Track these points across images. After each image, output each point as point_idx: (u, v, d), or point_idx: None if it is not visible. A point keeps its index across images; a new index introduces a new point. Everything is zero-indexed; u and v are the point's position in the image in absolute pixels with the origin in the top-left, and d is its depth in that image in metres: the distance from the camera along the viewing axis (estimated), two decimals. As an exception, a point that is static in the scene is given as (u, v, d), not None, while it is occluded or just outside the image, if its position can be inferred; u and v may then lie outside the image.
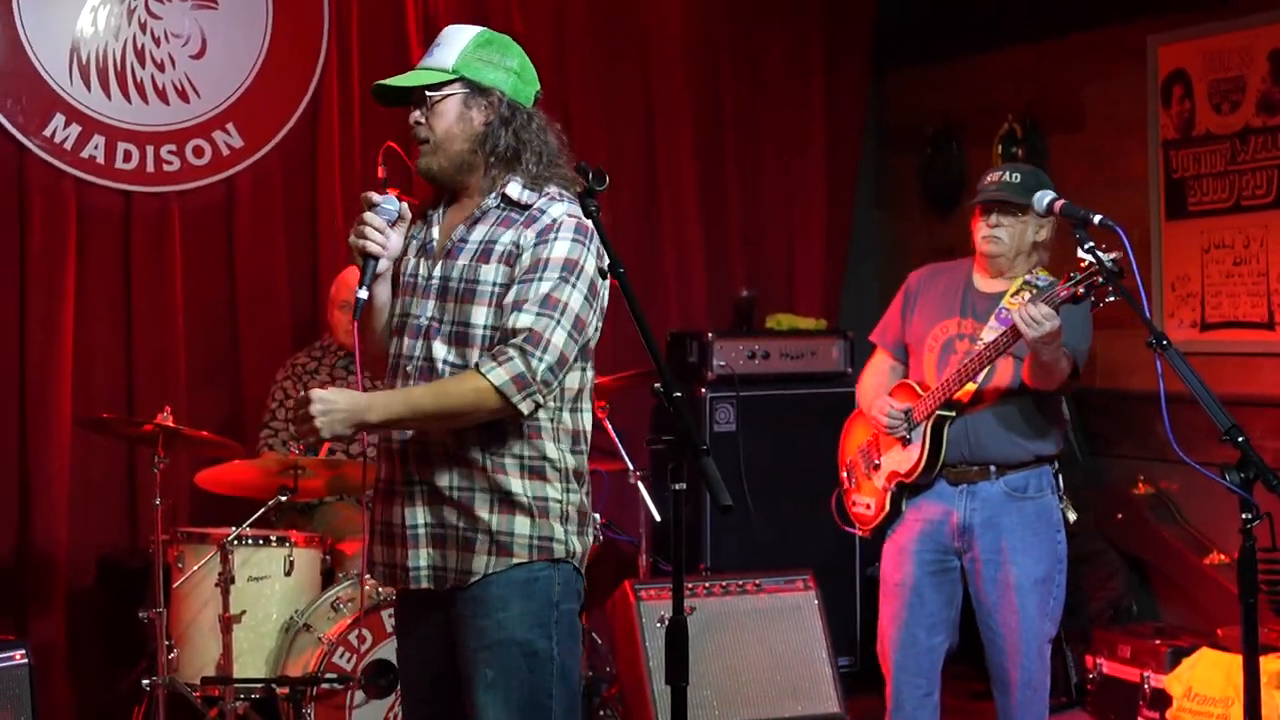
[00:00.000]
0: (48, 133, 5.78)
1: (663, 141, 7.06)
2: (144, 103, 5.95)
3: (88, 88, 5.86)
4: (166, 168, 5.98)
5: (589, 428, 3.46)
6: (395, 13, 6.40)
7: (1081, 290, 4.08)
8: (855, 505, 4.84)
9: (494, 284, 3.31)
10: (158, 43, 5.97)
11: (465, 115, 3.39)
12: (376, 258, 3.37)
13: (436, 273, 3.37)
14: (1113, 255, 3.90)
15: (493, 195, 3.39)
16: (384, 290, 3.47)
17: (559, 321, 3.26)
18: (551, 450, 3.36)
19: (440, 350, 3.33)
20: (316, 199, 6.27)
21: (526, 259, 3.29)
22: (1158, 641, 5.82)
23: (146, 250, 5.98)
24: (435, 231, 3.46)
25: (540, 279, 3.27)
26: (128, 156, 5.91)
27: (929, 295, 4.75)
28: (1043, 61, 6.87)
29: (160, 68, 5.98)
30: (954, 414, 4.55)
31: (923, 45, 7.47)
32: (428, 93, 3.40)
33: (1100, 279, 3.99)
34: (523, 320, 3.24)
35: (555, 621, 3.35)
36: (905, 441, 4.63)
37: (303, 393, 3.30)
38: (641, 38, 7.02)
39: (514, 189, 3.36)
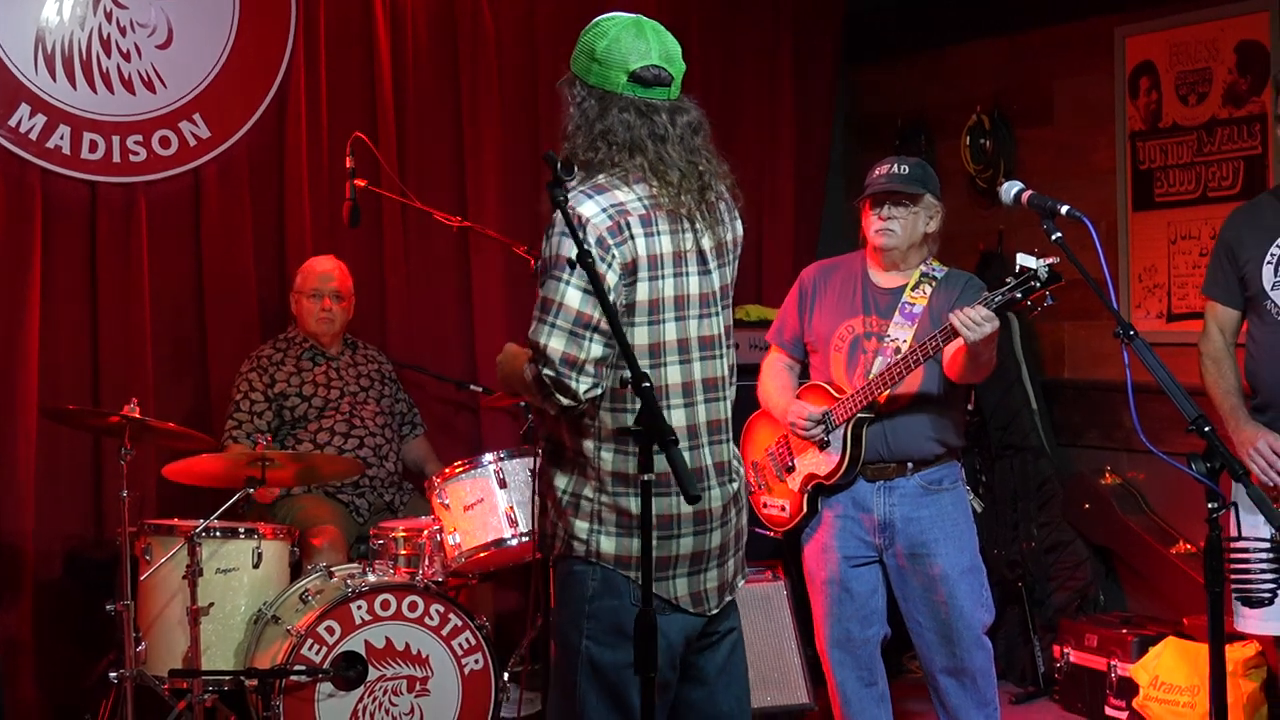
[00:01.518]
0: (13, 123, 5.75)
1: (632, 134, 7.04)
2: (110, 93, 5.91)
3: (53, 77, 5.82)
4: (133, 158, 5.95)
5: (628, 430, 3.36)
6: (362, 5, 6.38)
7: (1018, 295, 4.11)
8: (767, 507, 4.86)
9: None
10: (123, 32, 5.94)
11: (568, 104, 3.49)
12: None
13: None
14: (1048, 261, 3.95)
15: None
16: None
17: (553, 324, 3.26)
18: (589, 448, 3.36)
19: None
20: (284, 190, 6.24)
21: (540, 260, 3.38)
22: (1124, 631, 5.85)
23: (113, 241, 5.94)
24: None
25: (545, 280, 3.30)
26: (93, 147, 5.88)
27: (827, 293, 4.77)
28: (1011, 54, 6.88)
29: (126, 58, 5.95)
30: (872, 415, 4.58)
31: (891, 38, 7.48)
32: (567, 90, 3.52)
33: (1035, 284, 4.04)
34: (531, 331, 3.31)
35: (589, 616, 3.36)
36: (823, 445, 4.64)
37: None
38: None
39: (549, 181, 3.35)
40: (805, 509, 4.72)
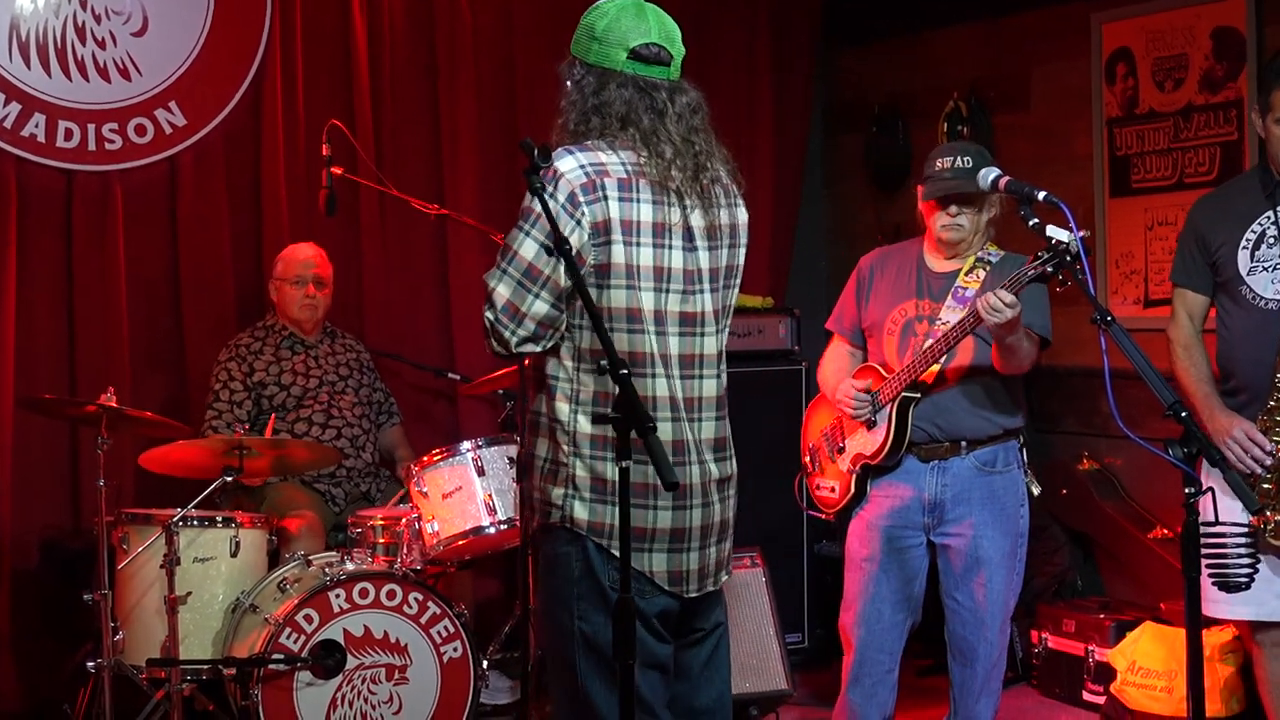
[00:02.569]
0: (-13, 111, 5.73)
1: (609, 120, 7.03)
2: (85, 81, 5.89)
3: (27, 65, 5.80)
4: (108, 146, 5.93)
5: (605, 394, 3.36)
6: (340, -9, 6.37)
7: (1049, 269, 4.08)
8: (819, 489, 4.86)
9: None
10: (98, 20, 5.91)
11: (564, 84, 3.50)
12: None
13: None
14: (1082, 233, 3.92)
15: None
16: None
17: (504, 270, 3.32)
18: (564, 412, 3.36)
19: None
20: (260, 177, 6.23)
21: None
22: (1102, 616, 5.87)
23: (89, 230, 5.92)
24: None
25: (515, 228, 3.34)
26: (69, 135, 5.86)
27: (883, 279, 4.77)
28: (988, 40, 6.89)
29: (101, 45, 5.92)
30: (919, 395, 4.57)
31: (868, 24, 7.48)
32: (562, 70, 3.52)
33: (1068, 257, 4.01)
34: (487, 276, 3.35)
35: (579, 598, 3.36)
36: (870, 425, 4.64)
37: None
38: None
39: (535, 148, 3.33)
40: (854, 489, 4.71)
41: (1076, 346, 6.18)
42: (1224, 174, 5.87)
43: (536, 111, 6.76)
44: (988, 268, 4.57)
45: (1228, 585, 3.98)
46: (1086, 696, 5.83)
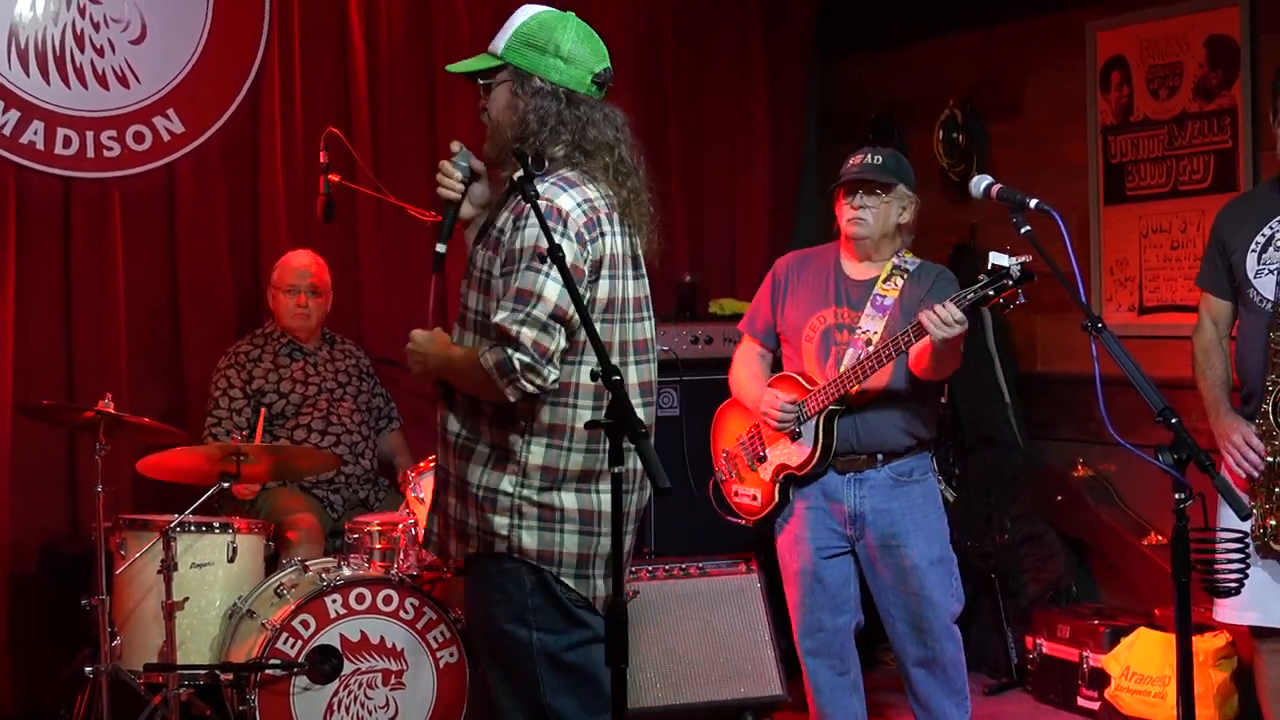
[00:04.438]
0: (-14, 118, 5.75)
1: (606, 127, 7.06)
2: (84, 88, 5.91)
3: (26, 73, 5.82)
4: (107, 153, 5.94)
5: (575, 424, 3.39)
6: (337, 1, 6.38)
7: (990, 293, 4.12)
8: (738, 496, 4.89)
9: (480, 269, 3.39)
10: (97, 28, 5.94)
11: (512, 104, 3.40)
12: (455, 205, 3.41)
13: (471, 258, 3.51)
14: (1020, 259, 3.97)
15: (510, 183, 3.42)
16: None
17: (529, 314, 3.26)
18: (516, 443, 3.36)
19: (456, 333, 3.46)
20: (258, 184, 6.25)
21: (505, 246, 3.33)
22: (1096, 622, 5.88)
23: (87, 236, 5.94)
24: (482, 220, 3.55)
25: (519, 270, 3.29)
26: (67, 142, 5.88)
27: (800, 284, 4.79)
28: (983, 48, 6.91)
29: (100, 53, 5.95)
30: (843, 407, 4.60)
31: (864, 32, 7.50)
32: (479, 79, 3.45)
33: (1009, 282, 4.06)
34: (499, 315, 3.28)
35: (534, 610, 3.38)
36: (794, 436, 4.67)
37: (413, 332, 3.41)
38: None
39: (517, 174, 3.32)
40: (777, 499, 4.75)
41: (1069, 353, 6.21)
42: (1218, 181, 5.89)
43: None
44: (905, 275, 4.62)
45: (1216, 591, 3.99)
46: (1081, 702, 5.84)
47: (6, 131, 5.77)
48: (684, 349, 6.54)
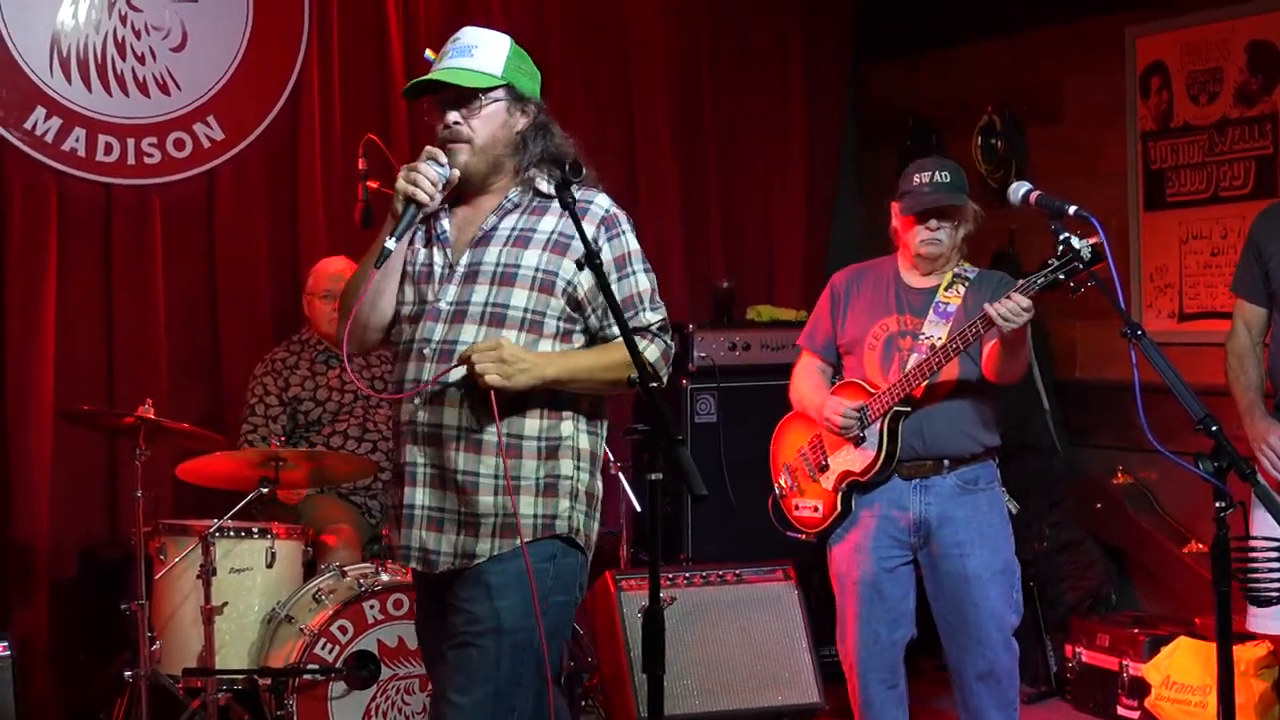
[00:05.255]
0: (29, 125, 5.78)
1: (642, 134, 7.08)
2: (125, 95, 5.95)
3: (68, 80, 5.86)
4: (147, 160, 5.98)
5: (605, 414, 3.61)
6: (375, 6, 6.41)
7: (1061, 276, 4.07)
8: (799, 509, 4.83)
9: (536, 269, 3.45)
10: (138, 35, 5.97)
11: (508, 123, 3.53)
12: (421, 207, 3.42)
13: (464, 260, 3.47)
14: (1090, 241, 3.92)
15: (518, 189, 3.52)
16: (397, 261, 3.54)
17: (659, 305, 3.54)
18: (568, 430, 3.48)
19: (470, 332, 3.43)
20: (297, 191, 6.27)
21: (605, 256, 3.45)
22: (1136, 630, 5.85)
23: (127, 243, 5.98)
24: (447, 223, 3.54)
25: (634, 273, 3.50)
26: (109, 149, 5.91)
27: (859, 295, 4.76)
28: (1021, 54, 6.89)
29: (141, 60, 5.98)
30: (909, 409, 4.57)
31: (901, 38, 7.49)
32: (481, 95, 3.49)
33: (1079, 265, 4.00)
34: (652, 316, 3.51)
35: (546, 613, 3.40)
36: (858, 441, 4.64)
37: (499, 340, 3.36)
38: (620, 31, 7.03)
39: (543, 184, 3.51)
40: (839, 508, 4.70)
41: (1109, 360, 6.18)
42: (1259, 187, 5.86)
43: (569, 125, 6.76)
44: (966, 283, 4.59)
45: (1258, 600, 3.97)
46: (1121, 711, 5.80)
47: (48, 138, 5.81)
48: (721, 355, 6.54)
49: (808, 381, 4.85)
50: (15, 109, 5.77)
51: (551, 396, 3.44)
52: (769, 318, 6.85)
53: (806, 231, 7.43)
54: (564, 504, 3.46)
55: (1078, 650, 6.02)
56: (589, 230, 3.43)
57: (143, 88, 5.99)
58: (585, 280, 3.44)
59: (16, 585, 5.78)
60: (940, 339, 4.50)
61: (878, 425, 4.57)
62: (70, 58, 5.87)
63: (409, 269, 3.55)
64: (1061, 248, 3.94)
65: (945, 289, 4.60)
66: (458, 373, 3.39)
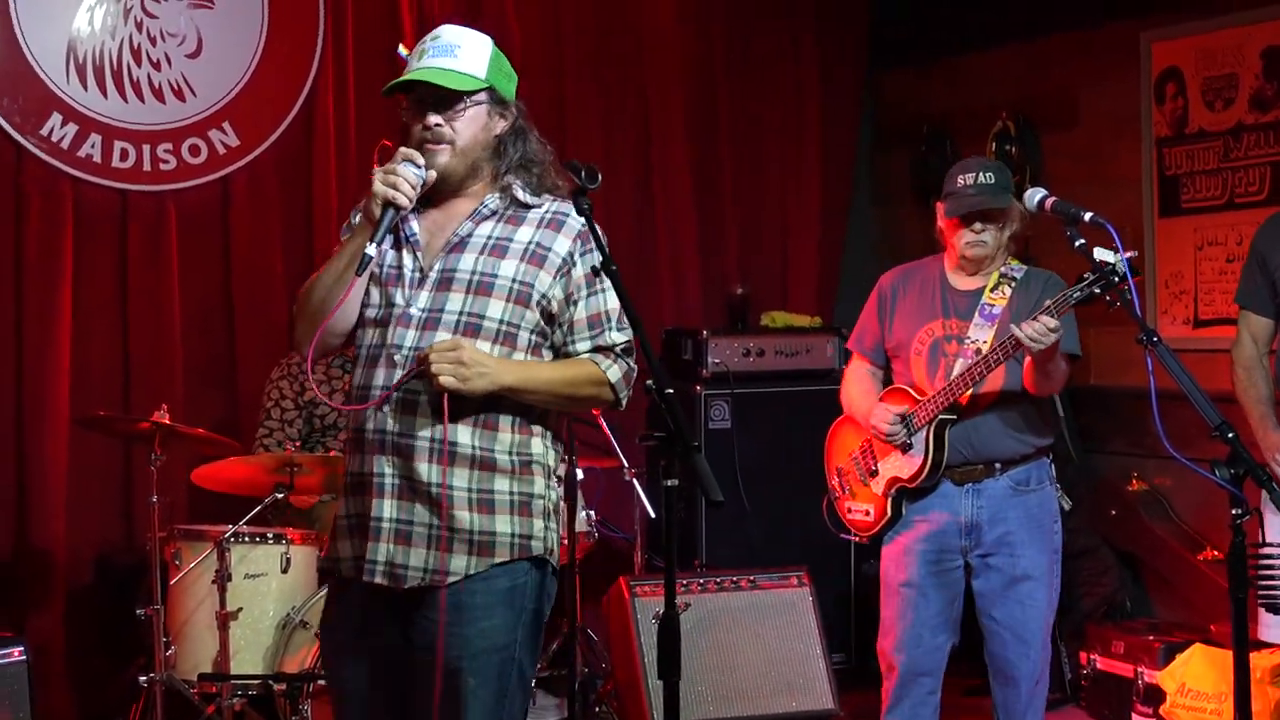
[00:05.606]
0: (44, 131, 5.80)
1: (657, 139, 7.08)
2: (140, 102, 5.97)
3: (84, 87, 5.87)
4: (163, 166, 6.00)
5: (562, 434, 3.56)
6: (390, 12, 6.42)
7: (1096, 290, 4.06)
8: (851, 512, 4.84)
9: (513, 280, 3.36)
10: (154, 42, 5.99)
11: (488, 125, 3.44)
12: (399, 210, 3.33)
13: (436, 265, 3.37)
14: (1129, 254, 3.91)
15: (497, 196, 3.43)
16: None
17: (628, 331, 3.44)
18: (538, 447, 3.40)
19: (443, 340, 3.30)
20: (312, 197, 6.28)
21: (579, 271, 3.40)
22: (1151, 637, 5.84)
23: (143, 248, 5.99)
24: (416, 225, 3.44)
25: (602, 291, 3.42)
26: (124, 155, 5.93)
27: (906, 298, 4.76)
28: (1036, 60, 6.88)
29: (156, 67, 6.00)
30: (955, 417, 4.56)
31: (916, 44, 7.49)
32: (465, 98, 3.41)
33: (1115, 278, 3.99)
34: (618, 336, 3.42)
35: (525, 624, 3.38)
36: (905, 447, 4.64)
37: (454, 341, 3.26)
38: (635, 36, 7.03)
39: (520, 192, 3.43)
40: (889, 513, 4.70)
41: (1124, 367, 6.17)
42: (1275, 194, 5.86)
43: (584, 130, 6.80)
44: (1013, 284, 4.58)
45: (1273, 607, 3.96)
46: (1135, 719, 5.79)
47: (64, 145, 5.83)
48: (735, 362, 6.53)
49: (857, 387, 4.85)
50: (31, 115, 5.78)
51: (522, 411, 3.36)
52: (783, 324, 6.85)
53: (821, 237, 7.43)
54: (539, 524, 3.39)
55: (1092, 657, 6.01)
56: (564, 244, 3.39)
57: (158, 94, 6.00)
58: (558, 293, 3.38)
59: (32, 590, 5.79)
60: (986, 342, 4.49)
61: (924, 433, 4.57)
62: (86, 64, 5.88)
63: (375, 270, 3.42)
64: (1097, 261, 3.92)
65: (991, 290, 4.58)
66: (421, 379, 3.28)
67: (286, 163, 6.26)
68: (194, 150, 6.05)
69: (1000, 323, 4.49)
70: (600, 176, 3.35)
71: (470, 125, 3.42)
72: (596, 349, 3.41)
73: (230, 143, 6.10)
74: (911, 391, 4.63)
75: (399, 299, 3.37)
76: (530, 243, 3.39)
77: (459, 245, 3.39)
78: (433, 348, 3.23)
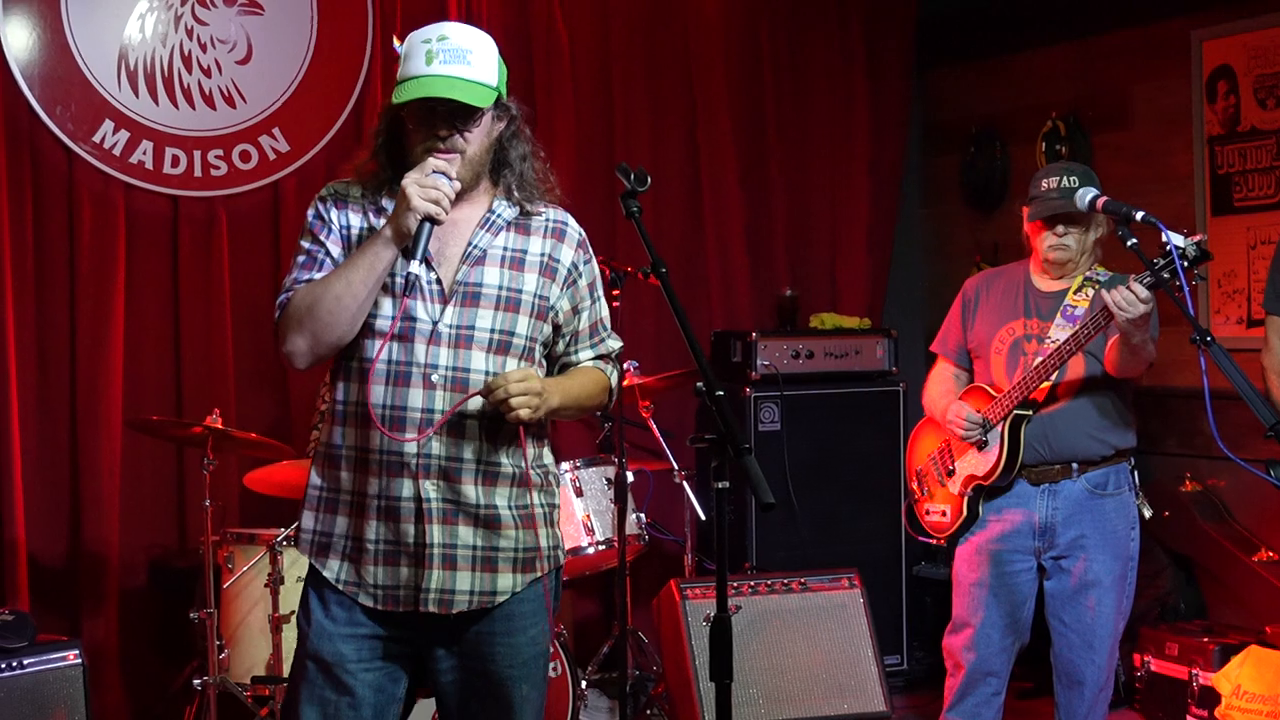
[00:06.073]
0: (97, 139, 5.84)
1: (705, 141, 7.07)
2: (191, 108, 6.00)
3: (135, 94, 5.91)
4: (214, 172, 6.03)
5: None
6: (438, 17, 6.43)
7: (1167, 275, 4.02)
8: (929, 514, 4.84)
9: (535, 295, 3.34)
10: (204, 48, 6.03)
11: (490, 129, 3.37)
12: (437, 224, 3.22)
13: (459, 278, 3.29)
14: (1196, 239, 3.88)
15: (505, 203, 3.39)
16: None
17: (618, 337, 3.56)
18: (549, 458, 3.46)
19: (479, 359, 3.26)
20: (362, 202, 6.30)
21: (583, 281, 3.44)
22: (1205, 639, 5.80)
23: (194, 254, 6.03)
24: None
25: (599, 299, 3.49)
26: (175, 161, 5.97)
27: (989, 300, 4.76)
28: (1086, 59, 6.85)
29: (207, 73, 6.04)
30: (1030, 413, 4.54)
31: (965, 43, 7.46)
32: (482, 111, 3.31)
33: (1187, 262, 3.97)
34: (614, 344, 3.52)
35: (550, 625, 3.44)
36: (981, 445, 4.62)
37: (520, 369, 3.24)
38: (683, 37, 7.03)
39: (528, 201, 3.40)
40: (965, 512, 4.70)
41: (1178, 367, 6.13)
42: (1326, 192, 5.82)
43: (633, 133, 6.81)
44: (1096, 287, 4.54)
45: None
46: (1190, 721, 5.77)
47: (116, 151, 5.87)
48: (784, 364, 6.52)
49: (938, 387, 4.86)
50: (84, 122, 5.83)
51: (537, 424, 3.34)
52: (832, 325, 6.84)
53: (870, 239, 7.41)
54: (557, 533, 3.46)
55: (1146, 659, 5.98)
56: (569, 255, 3.39)
57: (209, 100, 6.04)
58: (565, 305, 3.40)
59: (87, 594, 5.83)
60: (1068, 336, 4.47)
61: (999, 429, 4.56)
62: (138, 71, 5.92)
63: (389, 280, 3.29)
64: (1168, 246, 3.89)
65: (1074, 293, 4.57)
66: (475, 402, 3.22)
67: (336, 168, 6.22)
68: (244, 156, 6.08)
69: (1081, 323, 4.46)
70: (649, 179, 3.35)
71: (481, 135, 3.33)
72: (598, 356, 3.48)
73: (280, 148, 6.13)
74: (990, 390, 4.62)
75: (420, 313, 3.27)
76: (542, 255, 3.38)
77: (481, 258, 3.32)
78: (506, 378, 3.16)
